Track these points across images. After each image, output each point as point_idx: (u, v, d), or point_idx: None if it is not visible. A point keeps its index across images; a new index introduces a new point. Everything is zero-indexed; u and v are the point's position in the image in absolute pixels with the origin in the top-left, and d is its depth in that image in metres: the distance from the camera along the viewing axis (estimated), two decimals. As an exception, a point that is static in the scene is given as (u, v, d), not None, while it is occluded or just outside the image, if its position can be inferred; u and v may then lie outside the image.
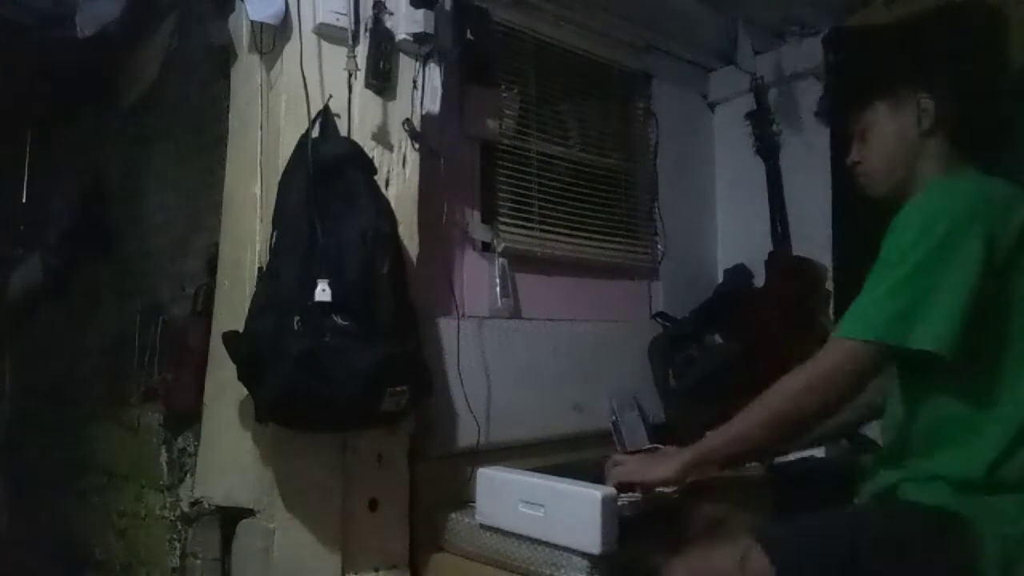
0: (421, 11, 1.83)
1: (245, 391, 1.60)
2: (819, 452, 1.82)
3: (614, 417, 2.32)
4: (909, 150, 1.36)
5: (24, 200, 3.21)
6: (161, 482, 2.06)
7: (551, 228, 2.39)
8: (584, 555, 1.47)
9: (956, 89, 1.36)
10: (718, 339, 2.51)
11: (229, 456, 1.75)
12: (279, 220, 1.63)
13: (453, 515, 1.79)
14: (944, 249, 1.16)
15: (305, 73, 1.70)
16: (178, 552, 1.93)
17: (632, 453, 1.72)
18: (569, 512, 1.48)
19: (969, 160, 1.34)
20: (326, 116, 1.71)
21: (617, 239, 2.59)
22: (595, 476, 1.56)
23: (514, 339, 2.15)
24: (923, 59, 1.43)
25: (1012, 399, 1.19)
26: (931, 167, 1.35)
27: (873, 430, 1.61)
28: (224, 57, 1.93)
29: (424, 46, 1.89)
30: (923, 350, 1.15)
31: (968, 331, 1.14)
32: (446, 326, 1.97)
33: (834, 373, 1.22)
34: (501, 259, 2.21)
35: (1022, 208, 1.21)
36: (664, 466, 1.36)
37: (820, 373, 1.23)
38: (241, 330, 1.59)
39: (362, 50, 1.80)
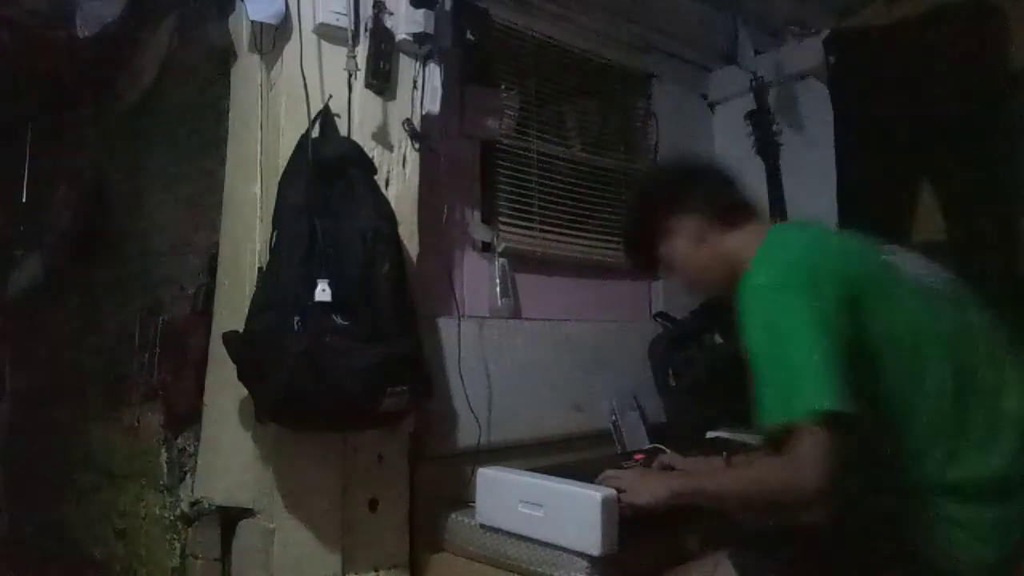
0: (421, 11, 1.83)
1: (245, 391, 1.60)
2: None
3: (614, 417, 2.32)
4: (706, 259, 1.41)
5: (24, 200, 3.20)
6: (161, 482, 2.05)
7: (551, 228, 2.38)
8: (584, 556, 1.46)
9: (714, 184, 1.45)
10: (718, 339, 2.50)
11: (229, 456, 1.75)
12: (279, 220, 1.63)
13: (453, 515, 1.78)
14: (775, 326, 1.17)
15: (305, 73, 1.70)
16: (178, 552, 1.93)
17: (625, 467, 1.72)
18: (569, 513, 1.48)
19: (766, 221, 1.45)
20: (326, 116, 1.71)
21: (618, 239, 2.58)
22: (595, 477, 1.56)
23: (514, 339, 2.15)
24: (670, 185, 1.51)
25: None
26: (737, 252, 1.36)
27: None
28: (224, 57, 1.93)
29: (424, 46, 1.89)
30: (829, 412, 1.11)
31: (843, 377, 1.11)
32: (446, 326, 1.97)
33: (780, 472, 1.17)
34: (501, 259, 2.21)
35: (829, 252, 1.24)
36: (650, 492, 1.38)
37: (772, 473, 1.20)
38: (241, 330, 1.59)
39: (362, 50, 1.80)
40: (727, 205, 1.43)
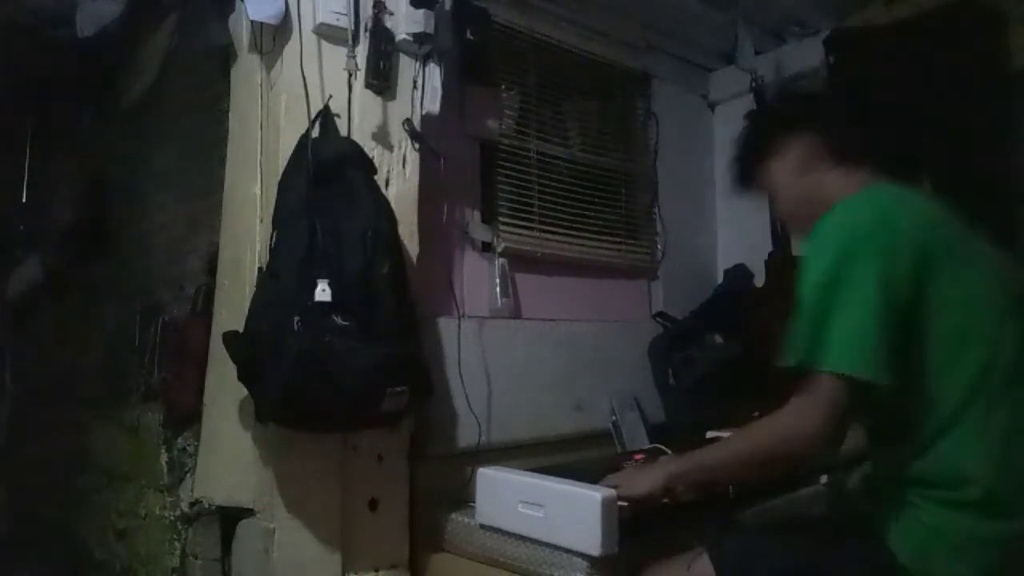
0: (421, 11, 1.83)
1: (245, 391, 1.60)
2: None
3: (614, 417, 2.32)
4: (803, 190, 1.38)
5: (24, 200, 3.21)
6: (161, 482, 2.06)
7: (551, 228, 2.39)
8: (584, 556, 1.46)
9: (837, 118, 1.43)
10: (718, 339, 2.50)
11: (229, 456, 1.75)
12: (279, 220, 1.63)
13: (453, 515, 1.78)
14: (840, 272, 1.16)
15: (305, 73, 1.70)
16: (178, 552, 1.93)
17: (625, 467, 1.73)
18: (569, 513, 1.48)
19: (876, 174, 1.35)
20: (326, 116, 1.71)
21: (617, 239, 2.59)
22: (595, 477, 1.56)
23: (514, 339, 2.15)
24: (796, 103, 1.54)
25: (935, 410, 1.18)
26: (832, 192, 1.32)
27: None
28: (224, 57, 1.93)
29: (424, 46, 1.89)
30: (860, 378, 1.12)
31: (886, 346, 1.12)
32: (446, 326, 1.97)
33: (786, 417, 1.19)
34: (501, 259, 2.21)
35: (918, 218, 1.22)
36: (649, 479, 1.40)
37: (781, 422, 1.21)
38: (241, 330, 1.59)
39: (362, 50, 1.80)
40: (842, 142, 1.38)
